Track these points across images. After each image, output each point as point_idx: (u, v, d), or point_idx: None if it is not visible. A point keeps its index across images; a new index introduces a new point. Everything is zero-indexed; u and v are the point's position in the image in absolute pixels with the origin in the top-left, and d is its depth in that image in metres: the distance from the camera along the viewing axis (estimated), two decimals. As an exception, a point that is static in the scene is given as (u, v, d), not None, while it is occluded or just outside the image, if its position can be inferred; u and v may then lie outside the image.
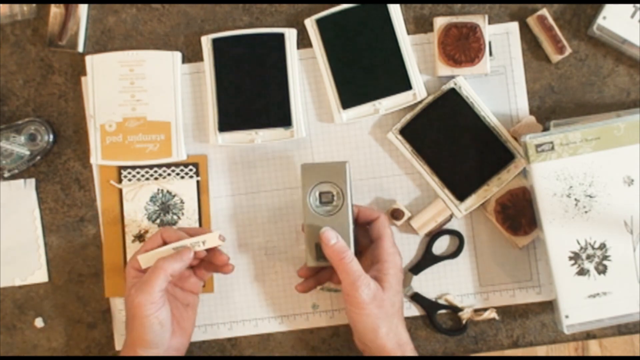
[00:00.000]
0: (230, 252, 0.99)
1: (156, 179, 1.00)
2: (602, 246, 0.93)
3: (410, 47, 0.98)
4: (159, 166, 1.00)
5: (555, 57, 0.98)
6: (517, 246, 0.97)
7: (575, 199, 0.93)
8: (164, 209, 1.00)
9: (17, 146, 0.99)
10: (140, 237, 1.00)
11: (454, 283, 1.00)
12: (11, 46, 1.01)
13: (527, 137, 0.93)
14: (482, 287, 1.00)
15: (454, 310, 0.99)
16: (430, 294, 1.00)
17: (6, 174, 0.99)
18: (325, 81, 0.98)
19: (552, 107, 0.99)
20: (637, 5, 0.95)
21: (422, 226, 0.98)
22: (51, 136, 0.99)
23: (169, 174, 1.00)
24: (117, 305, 1.00)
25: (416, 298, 0.99)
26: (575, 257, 0.93)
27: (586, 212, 0.93)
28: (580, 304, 0.93)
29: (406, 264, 1.00)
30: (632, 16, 0.95)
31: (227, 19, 1.00)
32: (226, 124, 0.98)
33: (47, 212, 1.01)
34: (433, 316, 0.99)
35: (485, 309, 0.99)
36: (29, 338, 1.01)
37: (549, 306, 0.99)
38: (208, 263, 0.95)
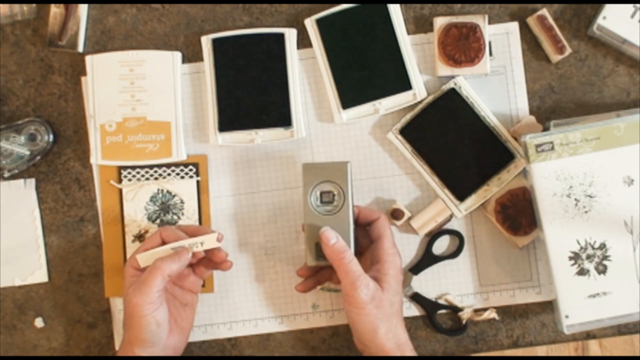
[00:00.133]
0: (230, 252, 0.99)
1: (156, 179, 1.00)
2: (602, 246, 0.93)
3: (410, 47, 0.98)
4: (159, 166, 1.00)
5: (555, 57, 0.98)
6: (517, 246, 0.97)
7: (575, 199, 0.93)
8: (164, 209, 1.00)
9: (17, 146, 0.99)
10: (140, 237, 1.00)
11: (454, 283, 1.00)
12: (11, 46, 1.01)
13: (527, 137, 0.93)
14: (482, 287, 1.00)
15: (454, 310, 0.99)
16: (430, 294, 1.00)
17: (6, 174, 0.99)
18: (325, 81, 0.98)
19: (552, 107, 0.99)
20: (637, 5, 0.95)
21: (422, 226, 0.98)
22: (51, 136, 0.99)
23: (169, 174, 1.00)
24: (117, 305, 1.00)
25: (416, 298, 0.99)
26: (575, 257, 0.93)
27: (586, 212, 0.93)
28: (580, 304, 0.93)
29: (406, 264, 1.00)
30: (632, 16, 0.95)
31: (227, 19, 1.00)
32: (226, 124, 0.98)
33: (47, 212, 1.01)
34: (433, 316, 0.99)
35: (485, 309, 0.99)
36: (29, 338, 1.01)
37: (549, 306, 0.99)
38: (207, 260, 0.95)
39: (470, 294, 1.00)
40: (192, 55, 1.00)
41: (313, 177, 0.92)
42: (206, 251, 0.93)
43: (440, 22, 0.97)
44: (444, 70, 0.97)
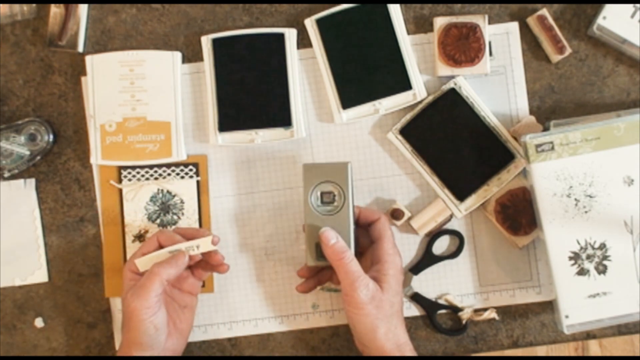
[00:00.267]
0: (230, 252, 0.99)
1: (156, 179, 1.00)
2: (602, 246, 0.93)
3: (410, 47, 0.98)
4: (159, 166, 1.00)
5: (555, 57, 0.98)
6: (517, 246, 0.98)
7: (575, 199, 0.93)
8: (164, 209, 1.00)
9: (17, 146, 0.99)
10: (140, 237, 1.00)
11: (454, 283, 1.00)
12: (11, 46, 1.01)
13: (527, 137, 0.93)
14: (482, 287, 1.00)
15: (454, 310, 0.99)
16: (430, 294, 1.00)
17: (6, 174, 0.99)
18: (325, 81, 0.98)
19: (552, 107, 0.99)
20: (637, 5, 0.95)
21: (422, 226, 0.98)
22: (51, 136, 0.99)
23: (169, 174, 1.00)
24: (117, 305, 1.00)
25: (416, 298, 0.99)
26: (575, 257, 0.93)
27: (586, 212, 0.93)
28: (580, 304, 0.93)
29: (406, 264, 1.00)
30: (632, 16, 0.95)
31: (227, 19, 1.00)
32: (226, 124, 0.98)
33: (47, 212, 1.01)
34: (433, 316, 0.99)
35: (485, 309, 0.99)
36: (29, 338, 1.01)
37: (549, 306, 0.99)
38: (205, 263, 0.95)
39: (470, 294, 1.00)
40: (192, 55, 1.00)
41: (313, 177, 0.92)
42: (203, 254, 0.93)
43: (440, 22, 0.97)
44: (444, 70, 0.97)
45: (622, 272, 0.93)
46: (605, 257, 0.93)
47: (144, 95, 0.99)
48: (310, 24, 0.98)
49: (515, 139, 0.97)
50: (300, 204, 0.98)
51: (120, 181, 1.00)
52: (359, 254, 0.95)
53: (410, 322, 0.99)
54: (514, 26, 0.98)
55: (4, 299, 1.01)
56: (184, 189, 1.00)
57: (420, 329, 1.00)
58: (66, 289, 1.01)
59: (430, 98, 0.97)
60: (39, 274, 1.01)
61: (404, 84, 0.98)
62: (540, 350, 0.99)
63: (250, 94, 0.98)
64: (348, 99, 0.98)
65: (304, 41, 0.99)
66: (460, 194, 0.98)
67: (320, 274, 0.97)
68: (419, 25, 0.99)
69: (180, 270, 0.91)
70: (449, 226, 0.99)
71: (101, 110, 0.99)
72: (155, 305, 0.89)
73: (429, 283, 1.00)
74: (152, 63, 0.99)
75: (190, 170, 1.00)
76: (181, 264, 0.91)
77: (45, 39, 1.00)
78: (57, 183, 1.01)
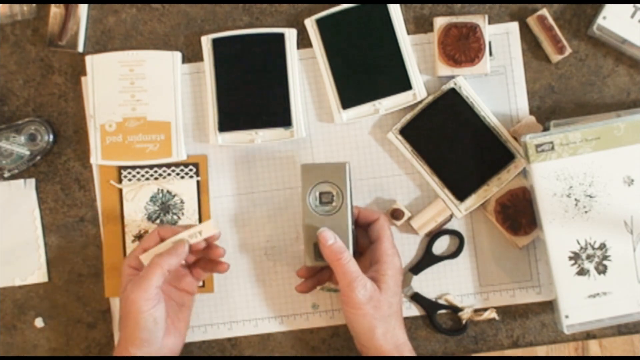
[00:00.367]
0: (230, 252, 0.99)
1: (156, 179, 1.00)
2: (602, 246, 0.93)
3: (410, 47, 0.98)
4: (159, 166, 1.00)
5: (555, 57, 0.98)
6: (517, 246, 0.97)
7: (575, 199, 0.93)
8: (164, 209, 1.00)
9: (17, 146, 0.99)
10: (140, 237, 1.00)
11: (454, 283, 1.00)
12: (11, 46, 1.01)
13: (527, 137, 0.93)
14: (482, 287, 1.00)
15: (454, 310, 0.99)
16: (430, 294, 1.00)
17: (6, 174, 0.99)
18: (325, 81, 0.98)
19: (552, 107, 0.99)
20: (637, 5, 0.95)
21: (422, 226, 0.98)
22: (51, 136, 0.99)
23: (169, 174, 1.00)
24: (117, 305, 1.00)
25: (416, 298, 0.99)
26: (575, 257, 0.93)
27: (586, 212, 0.93)
28: (580, 304, 0.93)
29: (406, 264, 1.00)
30: (632, 16, 0.95)
31: (227, 19, 1.00)
32: (226, 124, 0.98)
33: (47, 212, 1.01)
34: (433, 316, 0.99)
35: (485, 309, 0.99)
36: (29, 338, 1.01)
37: (549, 306, 0.99)
38: (205, 262, 0.95)
39: (470, 294, 1.00)
40: (192, 55, 1.00)
41: (312, 177, 0.92)
42: (204, 250, 0.93)
43: (440, 22, 0.97)
44: (444, 70, 0.97)
45: (622, 272, 0.93)
46: (605, 257, 0.93)
47: (144, 95, 0.99)
48: (310, 24, 0.98)
49: (515, 139, 0.97)
50: (300, 203, 0.98)
51: (120, 181, 1.00)
52: (359, 253, 0.95)
53: (410, 322, 0.99)
54: (514, 26, 0.98)
55: (4, 299, 1.01)
56: (184, 189, 1.00)
57: (420, 329, 1.00)
58: (66, 289, 1.01)
59: (430, 98, 0.97)
60: (39, 274, 1.01)
61: (404, 84, 0.98)
62: (540, 350, 0.99)
63: (250, 94, 0.98)
64: (348, 99, 0.98)
65: (304, 41, 0.99)
66: (460, 194, 0.98)
67: (319, 274, 0.97)
68: (419, 25, 0.99)
69: (181, 259, 0.90)
70: (449, 226, 0.99)
71: (101, 110, 0.99)
72: (155, 297, 0.88)
73: (429, 283, 1.00)
74: (152, 63, 0.99)
75: (190, 170, 1.00)
76: (182, 252, 0.90)
77: (45, 39, 1.00)
78: (57, 183, 1.01)
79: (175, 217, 1.00)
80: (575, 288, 0.93)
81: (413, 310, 1.00)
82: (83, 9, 0.99)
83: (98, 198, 1.00)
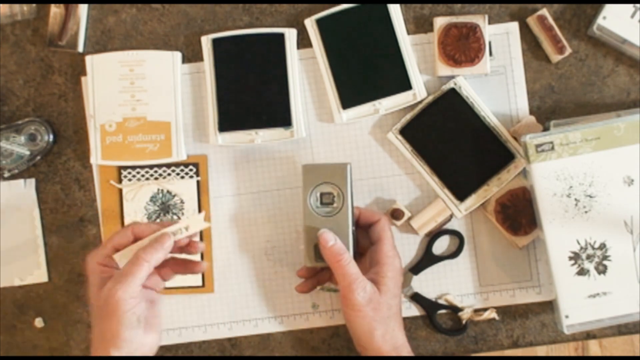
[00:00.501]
0: (230, 252, 0.99)
1: (156, 179, 1.00)
2: (602, 246, 0.93)
3: (410, 47, 0.98)
4: (159, 166, 1.00)
5: (555, 57, 0.98)
6: (517, 246, 0.97)
7: (575, 199, 0.93)
8: (164, 209, 1.00)
9: (17, 146, 0.99)
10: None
11: (454, 283, 1.00)
12: (11, 46, 1.01)
13: (527, 137, 0.93)
14: (482, 287, 1.00)
15: (454, 310, 0.99)
16: (430, 294, 1.00)
17: (6, 174, 0.99)
18: (325, 81, 0.98)
19: (552, 107, 0.99)
20: (637, 5, 0.95)
21: (422, 226, 0.98)
22: (51, 136, 0.99)
23: (169, 174, 1.00)
24: (117, 305, 1.00)
25: (416, 298, 0.99)
26: (575, 257, 0.93)
27: (586, 212, 0.93)
28: (580, 304, 0.93)
29: (406, 264, 1.00)
30: (632, 16, 0.95)
31: (227, 19, 1.00)
32: (226, 124, 0.98)
33: (47, 212, 1.01)
34: (433, 316, 0.99)
35: (485, 309, 0.99)
36: (29, 338, 1.01)
37: (549, 306, 0.99)
38: (174, 264, 0.91)
39: (470, 294, 1.00)
40: (192, 55, 1.00)
41: (313, 178, 0.92)
42: (185, 246, 0.88)
43: (440, 22, 0.97)
44: (444, 70, 0.97)
45: (622, 272, 0.93)
46: (605, 257, 0.93)
47: (144, 95, 0.99)
48: (310, 24, 0.98)
49: (515, 139, 0.97)
50: (300, 204, 0.98)
51: (120, 181, 1.00)
52: (359, 254, 0.95)
53: (410, 322, 0.99)
54: (514, 26, 0.98)
55: (4, 299, 1.01)
56: (184, 189, 1.00)
57: (420, 329, 1.00)
58: (66, 289, 1.01)
59: (430, 98, 0.97)
60: (39, 274, 1.01)
61: (404, 84, 0.98)
62: (540, 350, 0.99)
63: (250, 94, 0.98)
64: (348, 99, 0.98)
65: (304, 41, 0.99)
66: (460, 194, 0.98)
67: (319, 274, 0.97)
68: (419, 25, 0.99)
69: (166, 253, 0.86)
70: (449, 226, 0.99)
71: (101, 110, 0.99)
72: (139, 294, 0.84)
73: (429, 283, 1.00)
74: (152, 63, 0.99)
75: (190, 170, 1.00)
76: (167, 247, 0.85)
77: (45, 39, 1.00)
78: (57, 183, 1.01)
79: (175, 217, 1.00)
80: (575, 288, 0.93)
81: (413, 310, 1.00)
82: (83, 9, 0.99)
83: (98, 198, 1.00)
